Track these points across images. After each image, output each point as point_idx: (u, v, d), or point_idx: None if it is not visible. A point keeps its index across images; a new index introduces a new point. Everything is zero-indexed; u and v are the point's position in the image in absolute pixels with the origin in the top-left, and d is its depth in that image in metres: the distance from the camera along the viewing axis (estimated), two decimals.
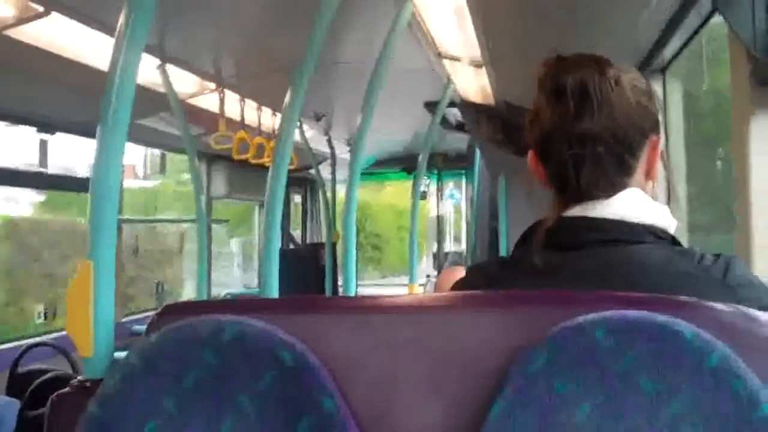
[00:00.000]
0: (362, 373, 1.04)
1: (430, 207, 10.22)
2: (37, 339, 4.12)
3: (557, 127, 1.19)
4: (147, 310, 6.12)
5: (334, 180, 7.83)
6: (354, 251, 3.73)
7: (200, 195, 5.35)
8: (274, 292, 2.64)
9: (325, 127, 6.89)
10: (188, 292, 7.92)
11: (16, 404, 2.37)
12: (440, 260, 9.35)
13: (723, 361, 0.92)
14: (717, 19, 2.04)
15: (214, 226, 6.86)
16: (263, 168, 4.89)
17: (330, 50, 3.49)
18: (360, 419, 1.02)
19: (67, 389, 1.23)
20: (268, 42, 4.18)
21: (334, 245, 7.29)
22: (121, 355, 1.14)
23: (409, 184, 10.66)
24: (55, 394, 1.21)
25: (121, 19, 1.47)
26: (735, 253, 1.69)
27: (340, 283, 7.27)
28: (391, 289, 10.30)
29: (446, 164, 8.99)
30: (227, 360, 1.01)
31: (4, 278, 6.81)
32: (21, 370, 2.93)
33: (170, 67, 4.33)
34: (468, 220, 9.71)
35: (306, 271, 7.24)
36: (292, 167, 3.26)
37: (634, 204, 1.19)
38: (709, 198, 2.97)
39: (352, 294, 4.11)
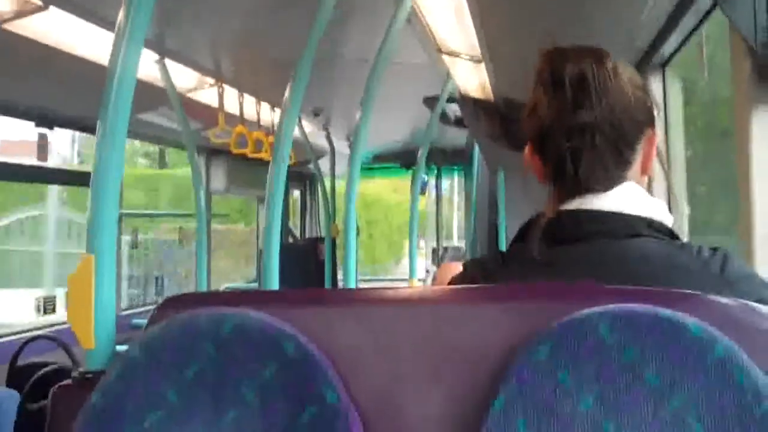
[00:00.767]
0: (364, 366, 1.04)
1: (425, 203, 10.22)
2: (37, 332, 4.12)
3: (555, 119, 1.19)
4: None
5: (333, 175, 7.83)
6: (354, 246, 3.73)
7: (200, 189, 5.34)
8: (275, 286, 2.64)
9: (324, 122, 6.89)
10: None
11: (16, 396, 2.38)
12: (439, 255, 9.35)
13: (727, 354, 0.92)
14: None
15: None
16: (262, 163, 4.89)
17: (329, 45, 3.49)
18: (362, 411, 1.02)
19: (68, 381, 1.24)
20: (267, 37, 4.18)
21: (333, 240, 7.29)
22: (122, 347, 1.15)
23: (396, 178, 10.67)
24: (57, 385, 1.21)
25: (121, 14, 1.47)
26: (738, 248, 1.70)
27: (339, 277, 7.30)
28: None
29: (445, 159, 8.99)
30: (229, 351, 1.02)
31: None
32: (21, 362, 2.93)
33: (169, 62, 4.33)
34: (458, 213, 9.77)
35: (305, 265, 7.25)
36: (291, 162, 3.26)
37: (633, 197, 1.19)
38: (727, 194, 2.86)
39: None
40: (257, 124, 5.45)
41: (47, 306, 4.92)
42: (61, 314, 4.87)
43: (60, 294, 5.03)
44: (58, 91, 4.14)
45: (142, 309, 5.83)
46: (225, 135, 5.10)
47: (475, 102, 4.83)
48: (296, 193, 8.94)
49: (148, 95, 4.40)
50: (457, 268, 1.36)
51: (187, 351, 1.03)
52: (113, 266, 1.36)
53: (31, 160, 4.76)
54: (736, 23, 1.63)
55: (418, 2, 3.28)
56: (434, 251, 9.93)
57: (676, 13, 2.21)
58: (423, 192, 8.02)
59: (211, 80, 4.93)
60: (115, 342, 1.32)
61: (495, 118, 4.67)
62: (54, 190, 9.52)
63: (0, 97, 3.99)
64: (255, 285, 7.86)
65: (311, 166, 7.28)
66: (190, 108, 4.97)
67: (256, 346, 1.02)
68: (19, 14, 3.16)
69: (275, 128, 5.36)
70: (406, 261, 6.63)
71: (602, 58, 1.20)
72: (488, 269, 1.24)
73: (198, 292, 4.73)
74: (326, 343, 1.04)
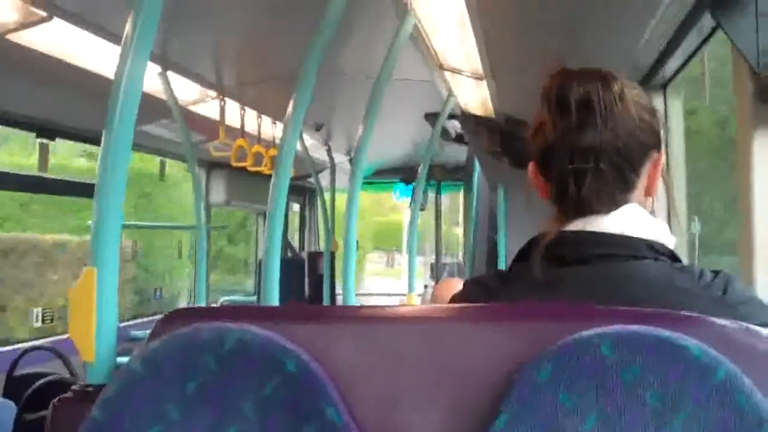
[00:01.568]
0: (365, 383, 1.04)
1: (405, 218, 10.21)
2: (35, 343, 4.12)
3: (560, 139, 1.19)
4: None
5: (333, 189, 7.83)
6: (354, 261, 3.73)
7: (200, 202, 5.35)
8: (275, 300, 2.64)
9: (325, 137, 6.90)
10: None
11: (12, 407, 2.38)
12: (437, 271, 9.35)
13: (728, 376, 0.92)
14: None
15: None
16: (263, 176, 4.90)
17: (331, 61, 3.50)
18: (362, 428, 1.02)
19: (68, 394, 1.24)
20: (270, 52, 4.19)
21: (332, 254, 7.29)
22: (123, 360, 1.15)
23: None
24: (57, 398, 1.21)
25: (128, 27, 1.48)
26: (738, 269, 1.70)
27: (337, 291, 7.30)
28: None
29: (445, 175, 9.00)
30: (230, 367, 1.02)
31: None
32: (18, 373, 2.93)
33: (172, 75, 4.35)
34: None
35: (304, 279, 7.24)
36: (291, 176, 3.26)
37: (635, 219, 1.19)
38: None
39: (351, 304, 4.12)
40: (258, 137, 5.46)
41: None
42: None
43: None
44: (59, 101, 4.15)
45: (140, 321, 5.83)
46: (225, 148, 5.11)
47: (476, 119, 4.84)
48: (296, 207, 8.94)
49: (150, 107, 4.40)
50: (458, 284, 1.36)
51: (188, 366, 1.03)
52: (115, 279, 1.36)
53: None
54: (738, 45, 1.64)
55: (420, 19, 3.29)
56: (432, 267, 9.93)
57: (678, 34, 2.22)
58: (423, 208, 8.00)
59: (213, 93, 4.94)
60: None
61: (496, 135, 4.68)
62: None
63: (2, 108, 3.99)
64: (253, 298, 7.86)
65: (312, 179, 7.28)
66: (192, 121, 4.98)
67: (257, 362, 1.02)
68: (23, 25, 3.17)
69: (276, 142, 5.40)
70: (369, 278, 6.62)
71: (609, 81, 1.20)
72: (489, 288, 1.24)
73: (200, 306, 4.73)
74: (327, 360, 1.04)
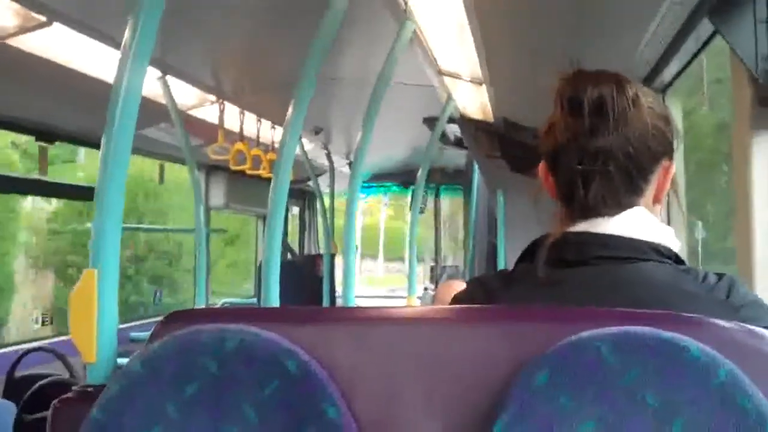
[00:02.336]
0: (364, 384, 1.05)
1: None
2: (35, 344, 4.12)
3: (570, 140, 1.18)
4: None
5: (332, 193, 7.85)
6: (354, 264, 3.74)
7: (199, 205, 5.36)
8: (275, 303, 2.64)
9: (324, 141, 6.91)
10: None
11: (12, 407, 2.38)
12: (437, 273, 9.37)
13: (730, 377, 0.92)
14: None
15: None
16: (262, 180, 4.91)
17: (331, 65, 3.51)
18: (362, 428, 1.02)
19: (69, 395, 1.24)
20: (269, 56, 4.20)
21: (332, 257, 7.30)
22: (123, 361, 1.15)
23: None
24: (58, 399, 1.22)
25: (127, 33, 1.49)
26: (737, 273, 1.70)
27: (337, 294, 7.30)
28: None
29: (444, 179, 9.01)
30: (230, 367, 1.02)
31: None
32: (18, 374, 2.94)
33: (171, 79, 4.35)
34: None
35: (303, 282, 7.24)
36: (290, 179, 3.27)
37: (640, 222, 1.19)
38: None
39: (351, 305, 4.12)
40: (256, 141, 5.47)
41: None
42: None
43: None
44: (59, 105, 4.15)
45: (140, 322, 5.83)
46: (223, 151, 5.12)
47: (476, 123, 4.85)
48: (295, 210, 8.95)
49: (150, 111, 4.41)
50: (460, 285, 1.36)
51: (188, 367, 1.03)
52: (116, 281, 1.37)
53: None
54: (737, 51, 1.64)
55: (420, 24, 3.30)
56: (432, 270, 9.95)
57: (677, 39, 2.22)
58: (422, 211, 8.01)
59: (212, 97, 4.95)
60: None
61: (495, 140, 4.69)
62: None
63: (1, 112, 4.00)
64: (253, 300, 7.87)
65: (311, 183, 7.30)
66: (191, 124, 4.99)
67: (257, 363, 1.02)
68: (23, 30, 3.18)
69: (274, 146, 5.41)
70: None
71: (624, 85, 1.19)
72: (491, 289, 1.24)
73: (200, 308, 4.73)
74: (327, 361, 1.05)
